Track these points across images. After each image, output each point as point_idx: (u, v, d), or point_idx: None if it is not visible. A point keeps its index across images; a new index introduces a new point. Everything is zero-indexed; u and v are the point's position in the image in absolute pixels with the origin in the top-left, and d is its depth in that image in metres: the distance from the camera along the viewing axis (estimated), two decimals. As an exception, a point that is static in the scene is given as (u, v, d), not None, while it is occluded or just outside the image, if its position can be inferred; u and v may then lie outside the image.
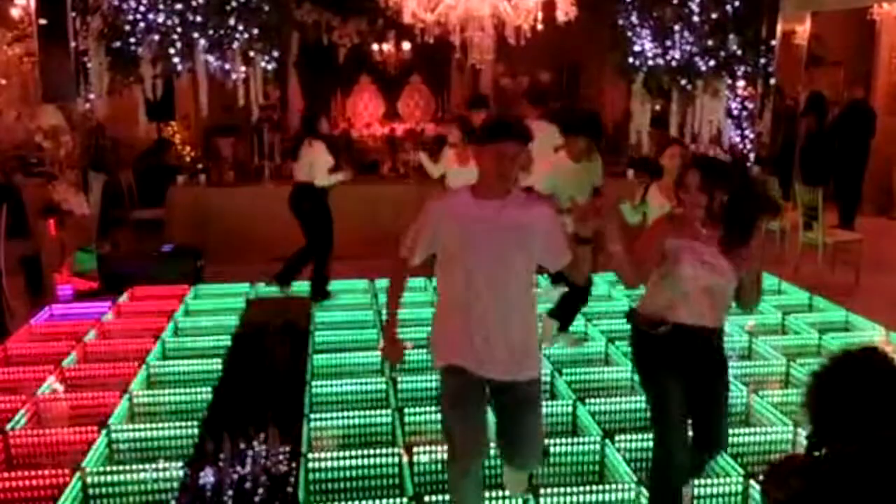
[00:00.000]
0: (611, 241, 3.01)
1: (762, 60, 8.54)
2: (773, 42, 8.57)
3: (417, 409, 4.37)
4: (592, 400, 4.48)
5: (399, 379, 4.76)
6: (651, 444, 3.30)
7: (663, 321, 3.10)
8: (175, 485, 3.71)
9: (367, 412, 4.38)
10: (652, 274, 3.16)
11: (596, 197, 3.24)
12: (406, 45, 10.81)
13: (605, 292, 6.56)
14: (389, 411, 4.39)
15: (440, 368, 3.11)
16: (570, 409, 4.44)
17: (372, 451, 3.87)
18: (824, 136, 9.36)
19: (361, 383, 4.79)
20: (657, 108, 9.13)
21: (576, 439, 4.05)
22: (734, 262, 3.02)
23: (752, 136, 8.47)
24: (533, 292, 3.12)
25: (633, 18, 8.37)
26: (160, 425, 4.24)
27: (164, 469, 3.78)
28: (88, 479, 3.69)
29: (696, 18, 8.21)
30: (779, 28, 8.61)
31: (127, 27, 7.55)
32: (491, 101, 10.10)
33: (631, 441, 3.99)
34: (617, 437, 3.99)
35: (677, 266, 3.06)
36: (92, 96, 7.83)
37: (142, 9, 7.54)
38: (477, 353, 2.95)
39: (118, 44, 7.60)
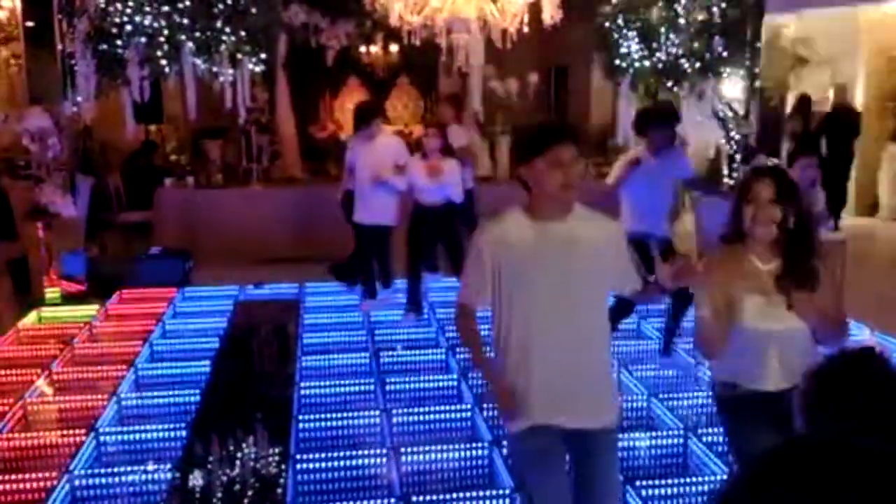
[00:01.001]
0: (699, 305, 2.69)
1: (748, 62, 8.61)
2: (759, 44, 8.65)
3: (406, 410, 4.39)
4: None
5: (388, 381, 4.79)
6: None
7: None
8: (164, 487, 3.71)
9: (356, 413, 4.40)
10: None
11: (687, 258, 2.70)
12: (394, 48, 10.83)
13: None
14: (378, 413, 4.41)
15: (516, 432, 2.65)
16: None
17: (360, 453, 3.89)
18: (809, 138, 9.44)
19: (350, 385, 4.81)
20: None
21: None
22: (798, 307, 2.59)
23: (738, 137, 8.53)
24: (606, 322, 2.73)
25: (620, 21, 8.42)
26: (149, 428, 4.24)
27: (153, 472, 3.78)
28: (76, 483, 3.69)
29: (681, 20, 8.28)
30: (764, 30, 8.68)
31: (114, 30, 7.54)
32: (481, 103, 10.18)
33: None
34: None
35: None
36: (79, 99, 7.81)
37: (128, 11, 7.52)
38: (549, 401, 2.56)
39: (105, 46, 7.58)
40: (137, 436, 4.18)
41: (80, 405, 4.55)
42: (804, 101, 9.75)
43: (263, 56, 8.19)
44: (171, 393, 4.70)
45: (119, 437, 4.17)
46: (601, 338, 2.68)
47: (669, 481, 3.59)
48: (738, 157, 8.70)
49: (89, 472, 3.79)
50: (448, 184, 5.65)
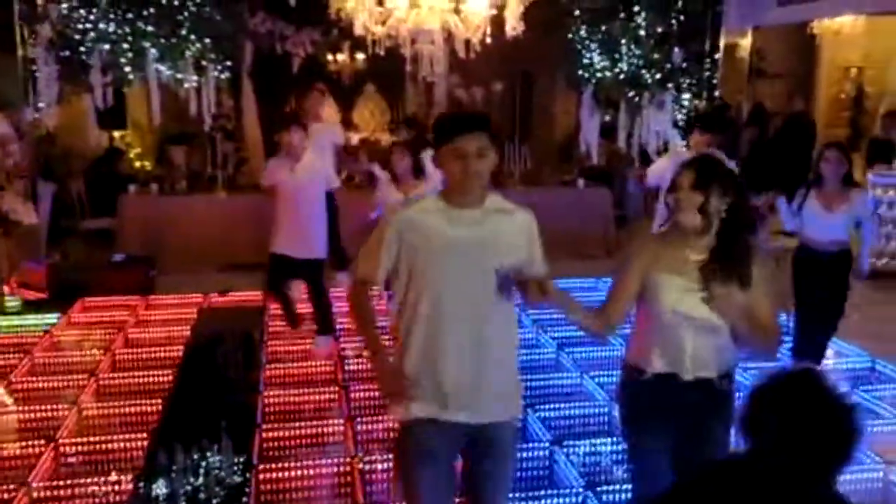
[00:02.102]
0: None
1: (706, 73, 8.82)
2: (717, 55, 8.86)
3: (369, 418, 4.44)
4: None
5: (351, 387, 4.84)
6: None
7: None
8: (125, 498, 3.72)
9: (319, 422, 4.43)
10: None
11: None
12: (360, 56, 10.88)
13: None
14: (341, 421, 4.45)
15: (404, 422, 2.64)
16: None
17: (323, 461, 3.93)
18: (766, 147, 9.67)
19: (314, 393, 4.84)
20: (607, 118, 9.35)
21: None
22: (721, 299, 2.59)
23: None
24: (515, 315, 2.75)
25: (583, 32, 8.57)
26: (110, 438, 4.23)
27: (115, 482, 3.78)
28: (35, 495, 3.68)
29: (642, 32, 8.45)
30: (722, 42, 8.90)
31: (77, 36, 7.48)
32: (446, 109, 10.26)
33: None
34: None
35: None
36: (41, 105, 7.74)
37: (92, 17, 7.48)
38: (449, 394, 2.54)
39: (68, 52, 7.53)
40: (98, 446, 4.17)
41: (40, 415, 4.52)
42: (760, 111, 10.00)
43: (229, 63, 8.19)
44: (133, 402, 4.69)
45: (80, 448, 4.16)
46: (508, 328, 2.68)
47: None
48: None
49: (49, 483, 3.77)
50: None
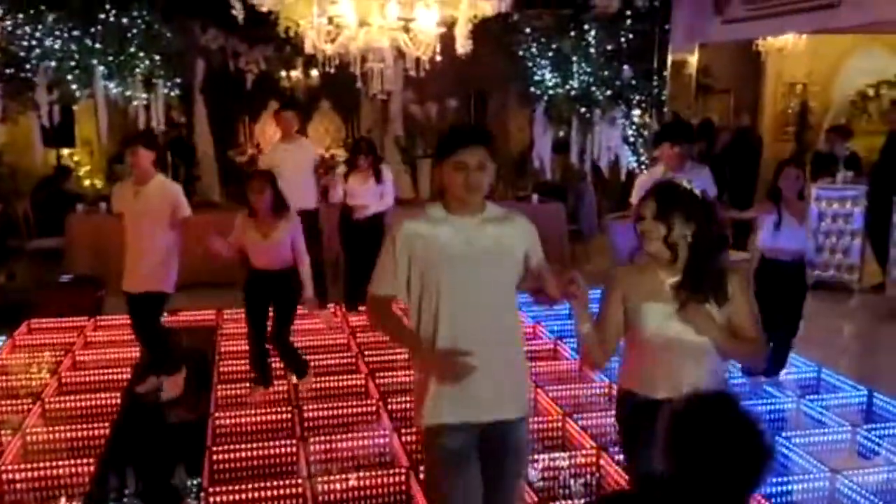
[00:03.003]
0: (579, 320, 2.71)
1: (655, 90, 9.00)
2: (665, 72, 9.05)
3: (322, 438, 4.41)
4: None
5: (304, 407, 4.80)
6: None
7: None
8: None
9: (271, 443, 4.39)
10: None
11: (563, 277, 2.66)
12: (314, 72, 10.85)
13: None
14: (294, 441, 4.40)
15: (431, 428, 2.68)
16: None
17: (275, 483, 3.89)
18: (714, 161, 9.88)
19: (266, 413, 4.79)
20: (560, 134, 9.47)
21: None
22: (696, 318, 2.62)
23: (647, 161, 8.86)
24: (518, 317, 2.87)
25: (533, 49, 8.68)
26: (56, 464, 4.14)
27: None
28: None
29: (592, 50, 8.60)
30: (669, 59, 9.10)
31: (21, 53, 7.35)
32: (400, 127, 10.31)
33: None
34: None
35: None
36: (-15, 123, 7.59)
37: (37, 34, 7.35)
38: (470, 396, 2.61)
39: (11, 70, 7.39)
40: (44, 472, 4.07)
41: (-17, 442, 4.40)
42: (708, 126, 10.23)
43: (179, 80, 8.12)
44: (79, 426, 4.59)
45: (24, 475, 4.05)
46: (513, 332, 2.76)
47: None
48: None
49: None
50: None
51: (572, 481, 4.04)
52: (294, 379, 5.20)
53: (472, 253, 2.62)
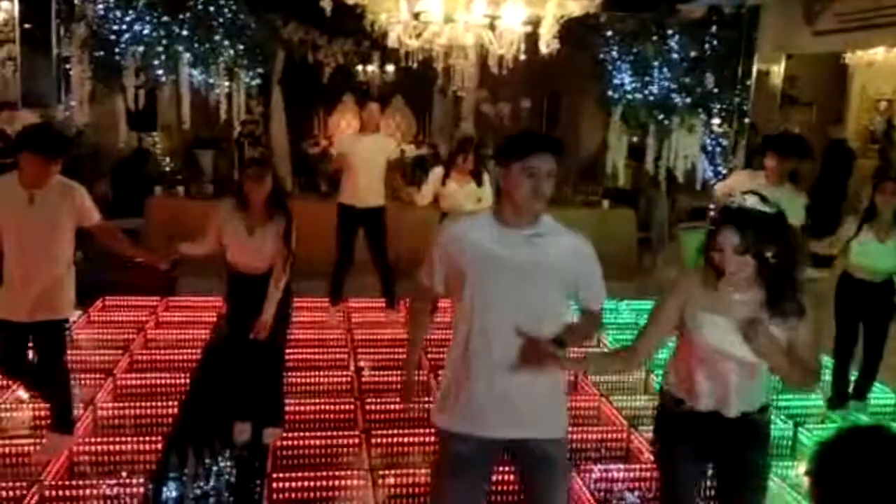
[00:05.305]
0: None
1: (737, 99, 8.74)
2: (749, 81, 8.78)
3: (384, 432, 4.40)
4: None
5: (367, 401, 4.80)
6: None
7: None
8: (136, 501, 3.71)
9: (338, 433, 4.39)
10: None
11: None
12: (390, 67, 10.90)
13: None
14: (357, 433, 4.40)
15: (439, 430, 2.75)
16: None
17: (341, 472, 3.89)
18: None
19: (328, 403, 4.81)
20: (634, 139, 9.28)
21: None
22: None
23: (725, 171, 8.62)
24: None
25: (614, 53, 8.52)
26: (124, 439, 4.22)
27: (125, 484, 3.77)
28: (46, 493, 3.67)
29: (674, 56, 8.39)
30: (754, 68, 8.83)
31: (112, 37, 7.56)
32: (472, 124, 10.27)
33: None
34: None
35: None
36: (72, 103, 7.81)
37: (128, 19, 7.55)
38: (479, 409, 2.59)
39: (102, 53, 7.60)
40: (112, 447, 4.15)
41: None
42: (839, 147, 9.94)
43: (260, 70, 8.23)
44: (149, 404, 4.68)
45: (94, 448, 4.14)
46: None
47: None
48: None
49: (61, 483, 3.78)
50: None
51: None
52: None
53: (509, 264, 2.54)
